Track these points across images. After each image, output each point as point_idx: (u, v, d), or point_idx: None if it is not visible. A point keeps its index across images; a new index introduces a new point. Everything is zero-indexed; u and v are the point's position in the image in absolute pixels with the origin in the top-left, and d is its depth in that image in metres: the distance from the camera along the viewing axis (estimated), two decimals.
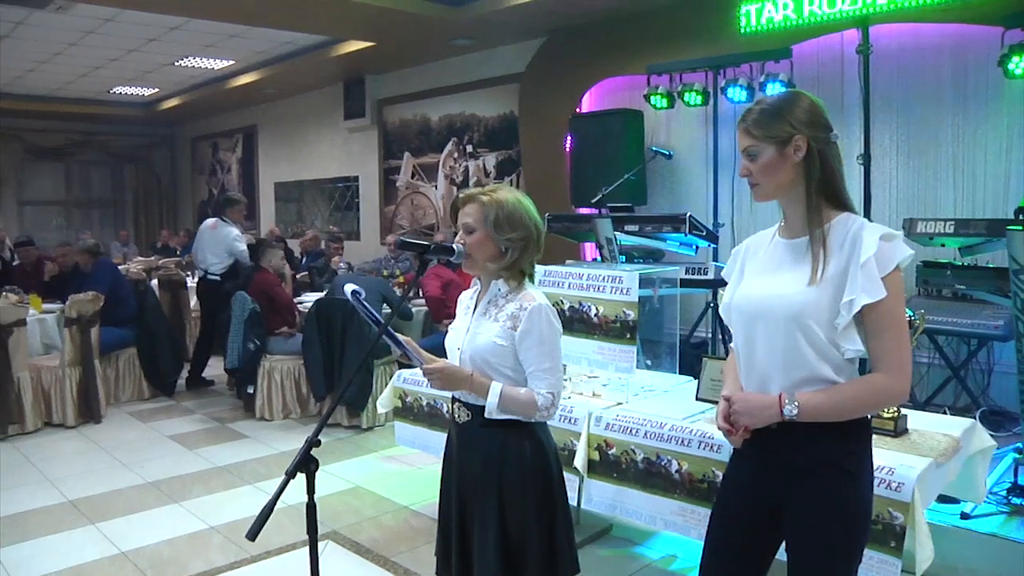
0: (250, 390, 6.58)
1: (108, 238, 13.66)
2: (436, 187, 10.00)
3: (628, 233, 4.90)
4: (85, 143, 14.39)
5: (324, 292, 7.64)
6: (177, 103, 12.71)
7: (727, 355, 2.21)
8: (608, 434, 3.31)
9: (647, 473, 3.15)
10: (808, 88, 5.87)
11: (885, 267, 1.79)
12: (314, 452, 1.97)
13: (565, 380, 3.74)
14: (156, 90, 12.05)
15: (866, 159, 5.09)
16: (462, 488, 2.35)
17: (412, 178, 10.38)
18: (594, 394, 3.66)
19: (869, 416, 1.93)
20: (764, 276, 1.96)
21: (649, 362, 3.98)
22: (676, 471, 3.06)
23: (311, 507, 1.99)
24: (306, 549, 3.86)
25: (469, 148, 9.41)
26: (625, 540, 3.95)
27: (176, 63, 9.85)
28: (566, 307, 3.66)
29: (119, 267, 9.42)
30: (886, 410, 2.92)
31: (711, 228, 5.60)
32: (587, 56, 7.37)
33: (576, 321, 3.63)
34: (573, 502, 3.44)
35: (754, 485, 1.96)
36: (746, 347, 1.96)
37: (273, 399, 6.46)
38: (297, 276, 8.98)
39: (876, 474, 2.49)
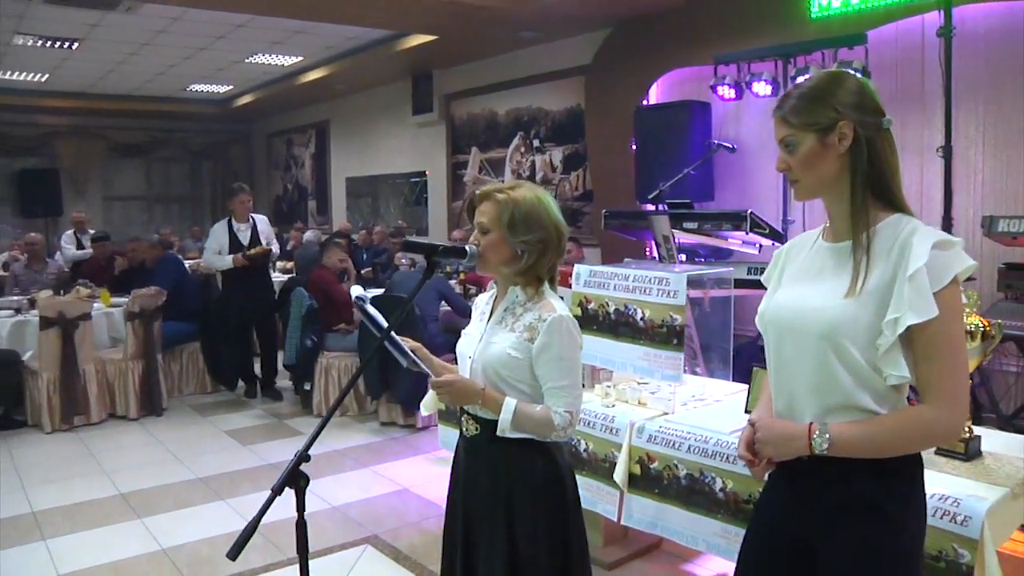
0: (307, 387, 6.58)
1: (187, 233, 13.98)
2: (503, 182, 9.86)
3: (687, 231, 4.67)
4: (165, 140, 14.78)
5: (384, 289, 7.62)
6: (251, 99, 12.92)
7: None
8: (650, 447, 3.11)
9: (689, 490, 2.95)
10: (885, 76, 5.60)
11: (939, 280, 1.52)
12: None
13: (610, 386, 3.55)
14: (230, 87, 12.26)
15: (947, 152, 4.72)
16: (468, 507, 2.18)
17: (479, 173, 10.27)
18: (640, 402, 3.46)
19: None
20: (800, 284, 1.72)
21: (698, 369, 3.76)
22: (720, 489, 2.84)
23: (300, 526, 1.86)
24: (343, 554, 3.86)
25: (536, 142, 9.25)
26: (675, 556, 3.74)
27: (246, 60, 9.97)
28: (611, 310, 3.48)
29: (188, 262, 9.65)
30: None
31: (777, 225, 5.30)
32: (653, 47, 7.12)
33: (621, 325, 3.44)
34: (613, 517, 3.25)
35: (784, 522, 1.73)
36: (776, 365, 1.73)
37: (330, 396, 6.43)
38: (361, 272, 8.97)
39: (938, 504, 2.24)
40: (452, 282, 7.47)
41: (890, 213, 1.63)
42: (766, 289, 1.85)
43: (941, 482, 2.39)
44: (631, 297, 3.39)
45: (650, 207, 6.00)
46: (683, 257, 4.86)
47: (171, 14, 7.56)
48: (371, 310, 2.10)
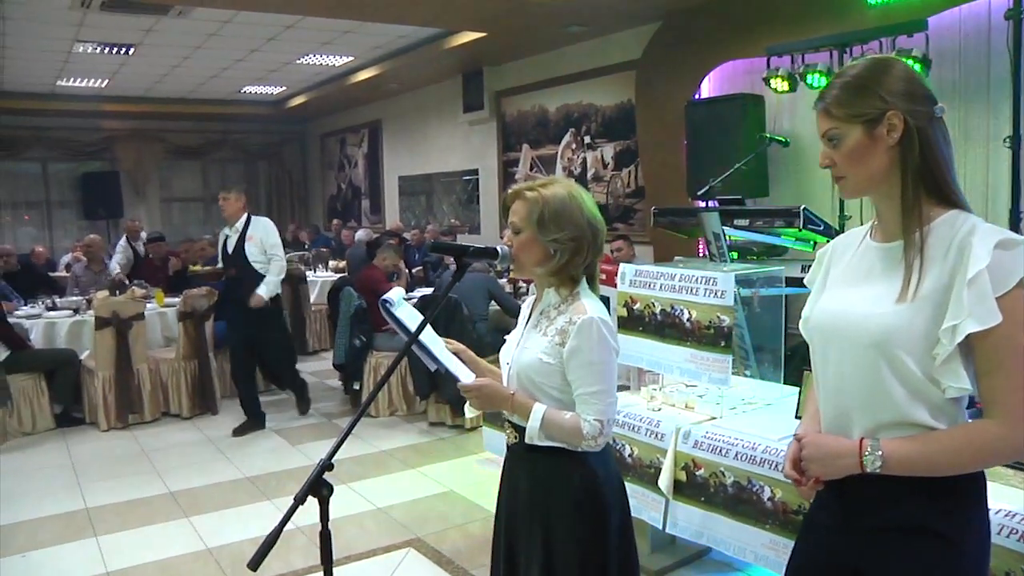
0: (356, 386, 6.59)
1: None
2: (537, 179, 9.77)
3: (738, 228, 4.52)
4: (221, 142, 15.02)
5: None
6: (304, 100, 13.04)
7: None
8: (696, 453, 2.99)
9: (737, 499, 2.83)
10: (948, 64, 5.36)
11: (1002, 284, 1.38)
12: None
13: (656, 388, 3.45)
14: (283, 88, 12.39)
15: (1015, 142, 4.49)
16: (510, 516, 2.12)
17: (531, 170, 10.19)
18: (687, 406, 3.35)
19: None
20: (847, 287, 1.59)
21: (748, 372, 3.63)
22: (768, 499, 2.72)
23: (324, 536, 1.80)
24: (386, 556, 3.83)
25: (587, 139, 9.14)
26: (724, 564, 3.62)
27: (297, 61, 10.05)
28: (657, 310, 3.37)
29: None
30: None
31: (833, 222, 5.12)
32: (704, 39, 6.95)
33: (668, 326, 3.33)
34: (658, 525, 3.15)
35: (832, 545, 1.60)
36: (823, 377, 1.61)
37: (379, 396, 6.42)
38: (412, 272, 8.97)
39: (1003, 521, 2.10)
40: (503, 280, 7.42)
41: (946, 210, 1.49)
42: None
43: (1006, 496, 2.24)
44: (677, 297, 3.28)
45: (702, 204, 5.87)
46: (735, 255, 4.71)
47: (222, 17, 7.64)
48: (398, 314, 2.03)
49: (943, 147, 1.51)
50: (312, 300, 9.23)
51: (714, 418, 3.20)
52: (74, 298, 7.25)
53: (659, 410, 3.34)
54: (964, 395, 1.44)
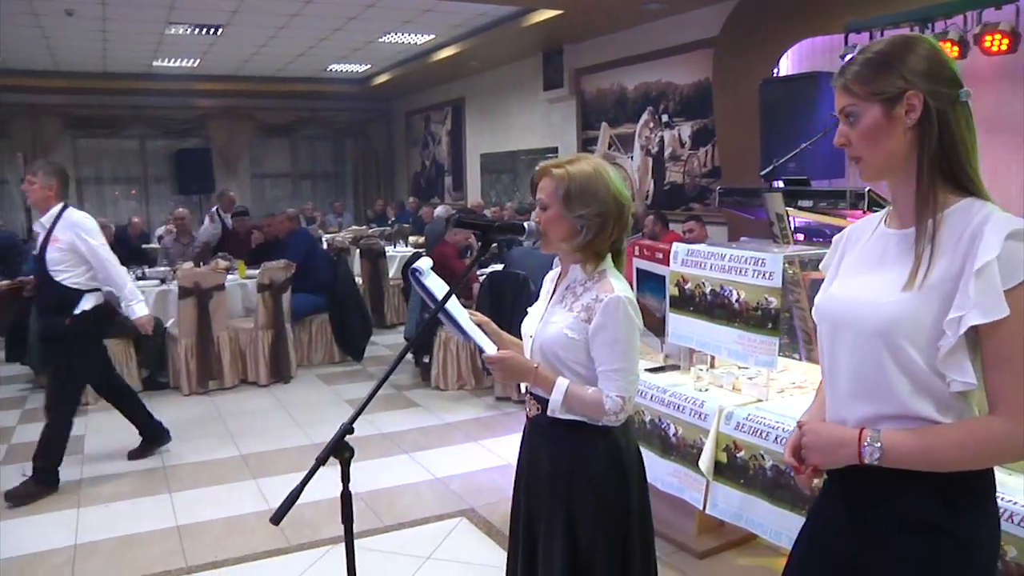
0: (426, 359, 6.73)
1: (328, 208, 14.56)
2: (632, 158, 9.70)
3: (802, 209, 4.41)
4: (310, 119, 15.38)
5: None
6: (389, 78, 13.23)
7: None
8: (737, 435, 2.98)
9: (775, 483, 2.80)
10: None
11: (1012, 276, 1.33)
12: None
13: (703, 369, 3.43)
14: (368, 66, 12.60)
15: None
16: (530, 488, 2.17)
17: (609, 149, 10.13)
18: (734, 388, 3.32)
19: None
20: (858, 275, 1.55)
21: (796, 355, 3.56)
22: (816, 487, 2.68)
23: (345, 496, 1.89)
24: (438, 524, 3.93)
25: (664, 117, 9.02)
26: (770, 549, 3.57)
27: (380, 39, 10.21)
28: (707, 290, 3.35)
29: (325, 236, 10.07)
30: None
31: None
32: (784, 16, 6.74)
33: (717, 307, 3.30)
34: (699, 505, 3.15)
35: (830, 536, 1.58)
36: (829, 364, 1.57)
37: (448, 370, 6.55)
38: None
39: (1011, 507, 2.04)
40: None
41: (961, 197, 1.44)
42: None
43: (1011, 485, 2.19)
44: (727, 278, 3.25)
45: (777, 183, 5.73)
46: (800, 237, 4.59)
47: None
48: (428, 282, 2.09)
49: (964, 132, 1.45)
50: (391, 275, 9.44)
51: (760, 401, 3.17)
52: (162, 268, 7.61)
53: (706, 391, 3.32)
54: (969, 389, 1.39)
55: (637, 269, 4.34)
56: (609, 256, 2.10)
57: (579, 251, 2.06)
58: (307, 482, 1.81)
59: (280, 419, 5.79)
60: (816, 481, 1.62)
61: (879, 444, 1.41)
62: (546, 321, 2.10)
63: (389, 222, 12.64)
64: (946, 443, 1.39)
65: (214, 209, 10.46)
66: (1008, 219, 1.37)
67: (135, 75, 12.54)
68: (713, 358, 3.58)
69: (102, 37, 9.59)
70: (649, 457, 3.43)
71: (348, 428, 1.87)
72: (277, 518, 1.78)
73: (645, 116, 9.35)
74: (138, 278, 7.21)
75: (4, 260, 8.37)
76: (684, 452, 3.23)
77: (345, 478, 1.90)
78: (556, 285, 2.17)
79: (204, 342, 6.43)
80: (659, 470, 3.36)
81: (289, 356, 6.87)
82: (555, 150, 11.23)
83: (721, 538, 3.59)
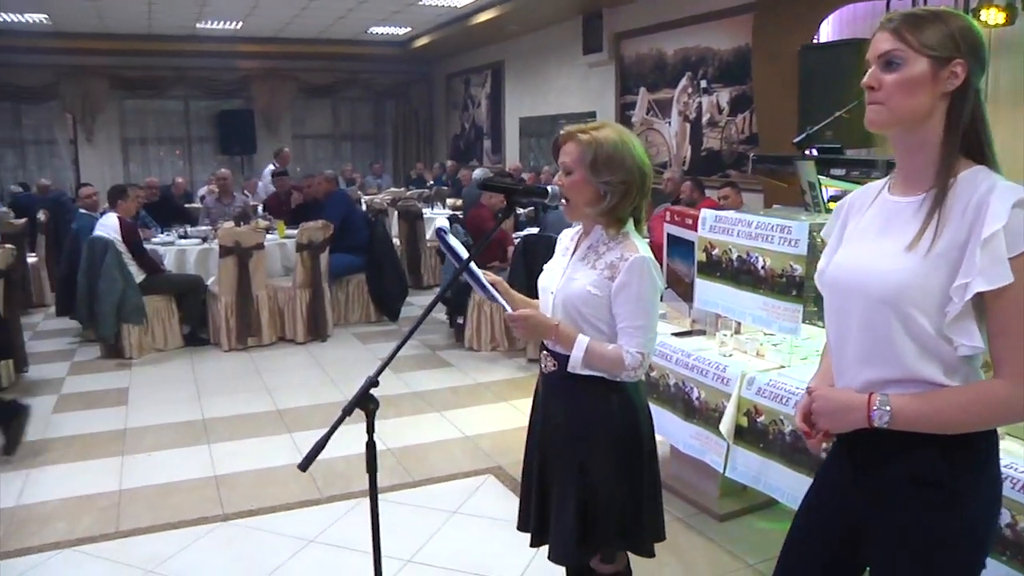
0: (460, 320, 6.82)
1: (368, 170, 14.67)
2: (670, 124, 9.64)
3: (835, 178, 4.38)
4: (351, 81, 15.45)
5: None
6: (429, 41, 13.23)
7: None
8: (758, 400, 3.02)
9: (793, 448, 2.84)
10: None
11: (1017, 245, 1.36)
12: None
13: (727, 334, 3.46)
14: (408, 29, 12.61)
15: None
16: (544, 441, 2.25)
17: (647, 114, 10.07)
18: (758, 353, 3.35)
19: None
20: (863, 243, 1.57)
21: (823, 323, 3.56)
22: (824, 450, 2.72)
23: (369, 446, 1.98)
24: (465, 481, 4.04)
25: (703, 83, 8.93)
26: (790, 514, 3.61)
27: (420, 2, 10.21)
28: (734, 256, 3.37)
29: (364, 198, 10.18)
30: None
31: None
32: None
33: (743, 273, 3.32)
34: (719, 468, 3.20)
35: (836, 497, 1.63)
36: (837, 332, 1.60)
37: (482, 331, 6.64)
38: (521, 211, 9.08)
39: (1008, 472, 2.08)
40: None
41: (970, 164, 1.47)
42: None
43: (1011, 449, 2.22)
44: (754, 244, 3.26)
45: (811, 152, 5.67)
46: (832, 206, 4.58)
47: None
48: (452, 241, 2.15)
49: (987, 113, 1.48)
50: (428, 237, 9.53)
51: (783, 367, 3.20)
52: (203, 228, 7.77)
53: (730, 355, 3.36)
54: (976, 353, 1.43)
55: (668, 234, 4.36)
56: (631, 221, 2.14)
57: (602, 216, 2.10)
58: (333, 432, 1.90)
59: (315, 376, 5.94)
60: (826, 445, 1.68)
61: (888, 408, 1.45)
62: (568, 277, 2.15)
63: (427, 184, 12.72)
64: (952, 405, 1.43)
65: (271, 167, 10.65)
66: (1013, 187, 1.40)
67: (179, 37, 12.70)
68: (739, 324, 3.61)
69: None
70: (672, 420, 3.49)
71: (374, 381, 1.96)
72: (304, 465, 1.87)
73: (683, 81, 9.27)
74: (180, 237, 7.40)
75: (55, 218, 8.63)
76: (706, 416, 3.28)
77: (370, 429, 1.98)
78: (577, 244, 2.22)
79: (243, 300, 6.59)
80: (681, 433, 3.42)
81: (326, 315, 7.00)
82: (593, 115, 11.17)
83: (743, 502, 3.64)
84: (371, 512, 2.03)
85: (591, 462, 2.11)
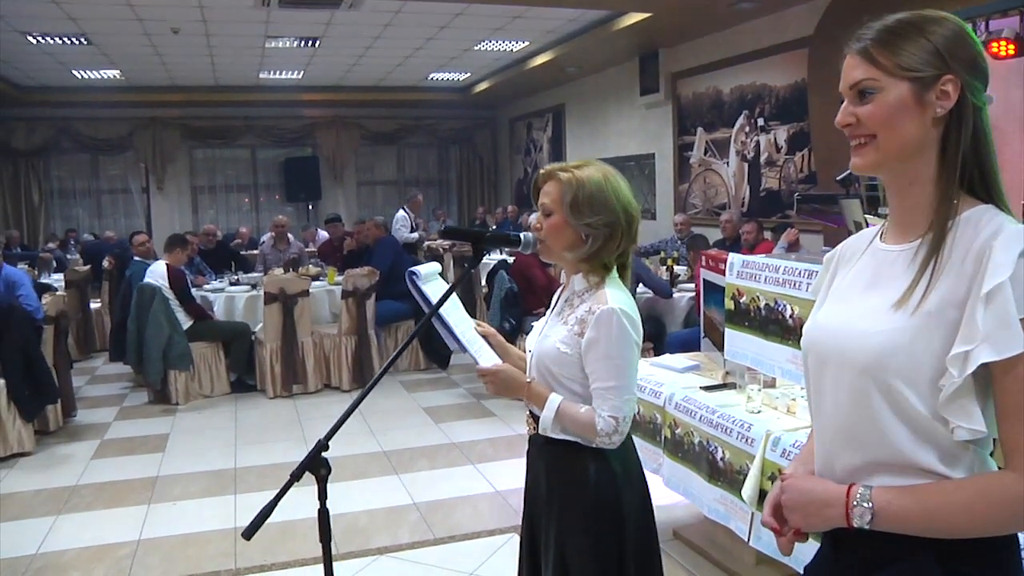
0: None
1: (431, 216, 14.75)
2: (728, 164, 9.40)
3: (882, 216, 4.14)
4: (415, 127, 15.63)
5: None
6: (489, 86, 13.32)
7: None
8: (784, 463, 2.76)
9: None
10: None
11: None
12: None
13: (756, 389, 3.23)
14: (468, 74, 12.72)
15: None
16: (531, 507, 2.10)
17: (704, 154, 9.87)
18: (789, 410, 3.11)
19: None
20: (847, 299, 1.31)
21: None
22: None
23: (322, 513, 1.86)
24: (490, 539, 3.87)
25: (760, 121, 8.70)
26: None
27: (475, 47, 10.28)
28: (762, 304, 3.16)
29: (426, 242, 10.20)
30: None
31: (1018, 212, 4.54)
32: (880, 11, 6.35)
33: (771, 322, 3.12)
34: (744, 536, 2.96)
35: None
36: (816, 406, 1.33)
37: None
38: None
39: None
40: (662, 268, 7.29)
41: (974, 204, 1.19)
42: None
43: None
44: (781, 291, 3.06)
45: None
46: None
47: (391, 8, 7.95)
48: (423, 287, 2.03)
49: (991, 136, 1.21)
50: (482, 283, 9.45)
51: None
52: (255, 274, 7.86)
53: (758, 412, 3.13)
54: (978, 437, 1.15)
55: (704, 280, 4.17)
56: (615, 269, 1.99)
57: (584, 262, 1.95)
58: (279, 499, 1.79)
59: (356, 425, 5.86)
60: (802, 544, 1.37)
61: (869, 504, 1.17)
62: (544, 335, 2.02)
63: (491, 229, 12.72)
64: (949, 503, 1.15)
65: (404, 214, 11.01)
66: (1022, 231, 1.12)
67: (244, 87, 13.08)
68: (774, 378, 3.38)
69: (208, 52, 10.04)
70: (697, 481, 3.27)
71: (324, 444, 1.85)
72: (249, 533, 1.74)
73: (741, 120, 9.05)
74: (231, 284, 7.49)
75: (120, 265, 8.87)
76: (731, 478, 3.04)
77: (322, 495, 1.87)
78: (560, 295, 2.08)
79: (289, 346, 6.60)
80: (706, 496, 3.19)
81: (372, 362, 6.95)
82: (652, 156, 11.03)
83: (780, 572, 3.37)
84: None
85: (567, 537, 1.94)
